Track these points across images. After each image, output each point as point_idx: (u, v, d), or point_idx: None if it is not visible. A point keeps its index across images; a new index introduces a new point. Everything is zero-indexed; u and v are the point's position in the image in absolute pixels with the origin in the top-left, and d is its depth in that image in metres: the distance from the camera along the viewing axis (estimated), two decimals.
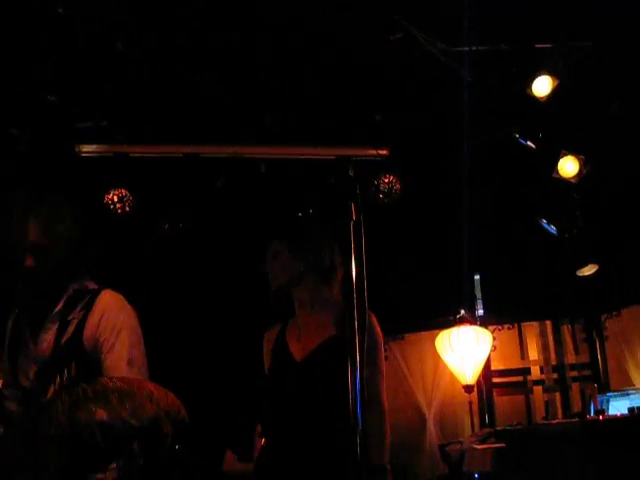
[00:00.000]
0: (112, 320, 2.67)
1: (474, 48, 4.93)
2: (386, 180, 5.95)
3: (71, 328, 2.65)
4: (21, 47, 4.65)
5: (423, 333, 7.18)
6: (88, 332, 2.64)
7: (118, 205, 5.72)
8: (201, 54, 4.93)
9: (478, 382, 6.86)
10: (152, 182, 5.91)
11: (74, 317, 2.67)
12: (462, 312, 6.77)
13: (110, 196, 5.71)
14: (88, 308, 2.68)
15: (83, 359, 2.61)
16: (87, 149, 5.81)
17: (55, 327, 2.66)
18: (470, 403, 6.74)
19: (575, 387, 7.01)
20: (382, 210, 5.84)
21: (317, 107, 5.48)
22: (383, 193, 5.91)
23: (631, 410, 3.80)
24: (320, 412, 2.64)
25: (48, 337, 2.65)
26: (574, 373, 7.05)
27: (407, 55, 4.97)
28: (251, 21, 4.66)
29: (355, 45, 4.93)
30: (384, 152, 6.10)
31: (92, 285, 2.81)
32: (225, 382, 6.08)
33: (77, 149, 5.77)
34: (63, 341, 2.62)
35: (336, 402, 2.21)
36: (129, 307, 2.79)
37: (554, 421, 3.47)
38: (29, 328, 2.71)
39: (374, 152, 6.05)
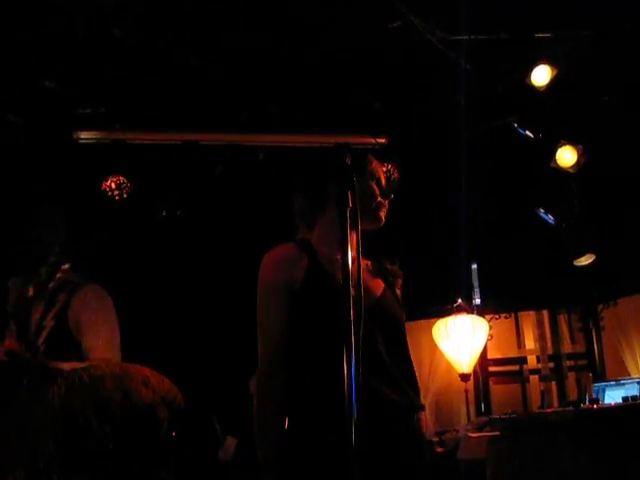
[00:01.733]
0: (92, 305, 2.98)
1: (473, 37, 4.92)
2: (384, 169, 5.94)
3: (55, 309, 2.96)
4: (19, 33, 4.63)
5: (420, 322, 7.18)
6: (71, 314, 2.95)
7: (116, 192, 5.72)
8: (200, 41, 4.92)
9: (474, 371, 6.87)
10: (150, 169, 5.91)
11: (59, 300, 2.98)
12: (459, 301, 6.77)
13: (108, 183, 5.71)
14: (72, 294, 2.99)
15: (65, 336, 2.92)
16: (85, 135, 5.82)
17: (41, 307, 2.98)
18: (466, 392, 6.75)
19: (571, 376, 7.03)
20: None
21: (316, 95, 5.47)
22: None
23: (625, 399, 3.82)
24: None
25: (36, 315, 2.97)
26: (570, 362, 7.07)
27: (406, 43, 4.96)
28: (251, 8, 4.65)
29: (354, 33, 4.92)
30: (382, 140, 6.12)
31: (76, 278, 3.12)
32: (223, 369, 6.09)
33: (75, 135, 5.78)
34: (48, 318, 2.94)
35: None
36: (108, 297, 3.10)
37: (549, 410, 3.49)
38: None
39: (373, 140, 6.06)
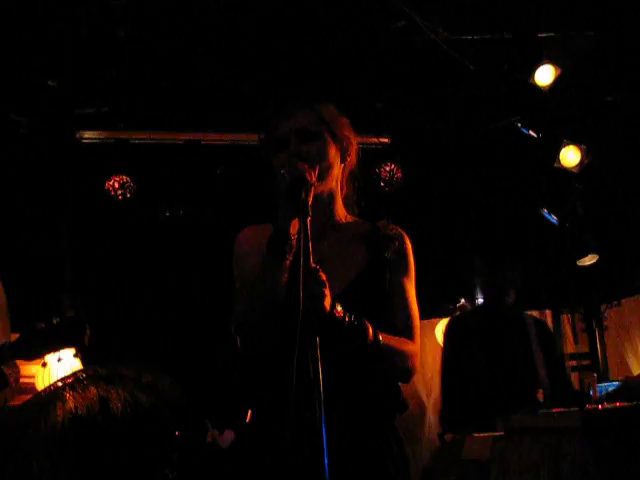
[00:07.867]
0: None
1: (476, 37, 4.92)
2: (387, 168, 5.94)
3: None
4: (23, 32, 4.64)
5: (423, 322, 7.06)
6: None
7: (119, 191, 5.72)
8: (203, 41, 4.92)
9: None
10: (153, 169, 5.91)
11: None
12: (462, 301, 6.76)
13: (111, 182, 5.70)
14: None
15: None
16: (88, 135, 5.82)
17: None
18: None
19: (574, 377, 7.01)
20: (383, 198, 5.84)
21: (319, 95, 5.46)
22: (384, 181, 5.91)
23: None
24: None
25: None
26: (573, 363, 7.06)
27: (409, 43, 4.96)
28: (253, 7, 4.65)
29: (357, 32, 4.92)
30: (385, 140, 6.11)
31: None
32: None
33: (78, 135, 5.78)
34: None
35: None
36: None
37: (553, 409, 3.49)
38: None
39: (375, 140, 6.06)
